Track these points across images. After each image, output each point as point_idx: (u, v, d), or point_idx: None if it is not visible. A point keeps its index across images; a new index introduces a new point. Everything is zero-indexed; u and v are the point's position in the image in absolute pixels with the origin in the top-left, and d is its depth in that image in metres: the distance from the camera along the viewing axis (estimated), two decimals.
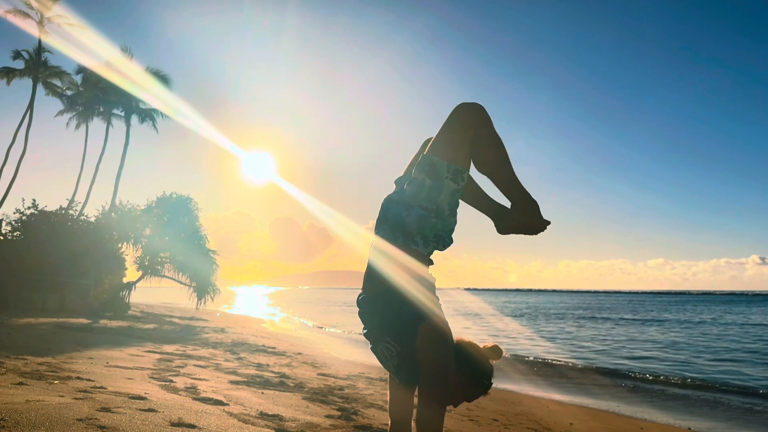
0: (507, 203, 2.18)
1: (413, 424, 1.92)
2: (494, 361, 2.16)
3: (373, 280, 2.08)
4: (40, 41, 28.22)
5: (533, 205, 2.08)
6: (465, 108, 1.98)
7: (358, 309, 2.16)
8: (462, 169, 2.01)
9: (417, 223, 2.02)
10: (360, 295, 2.15)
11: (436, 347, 1.90)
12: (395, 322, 2.00)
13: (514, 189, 2.08)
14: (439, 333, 1.92)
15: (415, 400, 2.01)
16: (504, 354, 2.17)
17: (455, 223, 2.10)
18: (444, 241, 2.10)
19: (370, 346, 2.17)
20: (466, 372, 2.06)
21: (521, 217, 2.11)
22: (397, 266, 2.01)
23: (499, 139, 2.02)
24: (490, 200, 2.28)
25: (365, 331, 2.16)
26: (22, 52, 28.53)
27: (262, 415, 3.69)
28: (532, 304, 58.63)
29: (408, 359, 1.97)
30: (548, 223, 2.14)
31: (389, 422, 2.22)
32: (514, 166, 2.07)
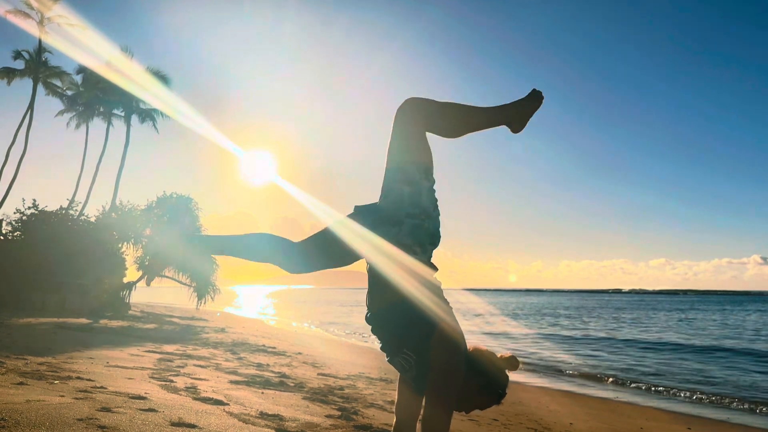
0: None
1: (418, 424, 1.93)
2: (510, 372, 2.16)
3: (376, 296, 2.07)
4: (40, 41, 28.23)
5: (514, 104, 2.13)
6: (404, 108, 2.03)
7: (369, 327, 2.15)
8: (429, 166, 2.05)
9: (411, 234, 2.01)
10: (367, 314, 2.14)
11: (446, 353, 1.93)
12: (409, 335, 2.01)
13: (495, 118, 2.12)
14: (450, 340, 1.95)
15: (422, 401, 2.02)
16: (520, 366, 2.17)
17: (439, 215, 2.11)
18: (437, 239, 2.10)
19: (387, 359, 2.16)
20: (479, 381, 2.06)
21: (518, 108, 2.13)
22: (401, 277, 2.01)
23: (447, 104, 2.06)
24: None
25: (381, 345, 2.15)
26: (22, 52, 28.56)
27: (263, 415, 3.69)
28: (532, 305, 58.59)
29: (425, 369, 1.97)
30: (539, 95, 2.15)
31: (393, 421, 2.23)
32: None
